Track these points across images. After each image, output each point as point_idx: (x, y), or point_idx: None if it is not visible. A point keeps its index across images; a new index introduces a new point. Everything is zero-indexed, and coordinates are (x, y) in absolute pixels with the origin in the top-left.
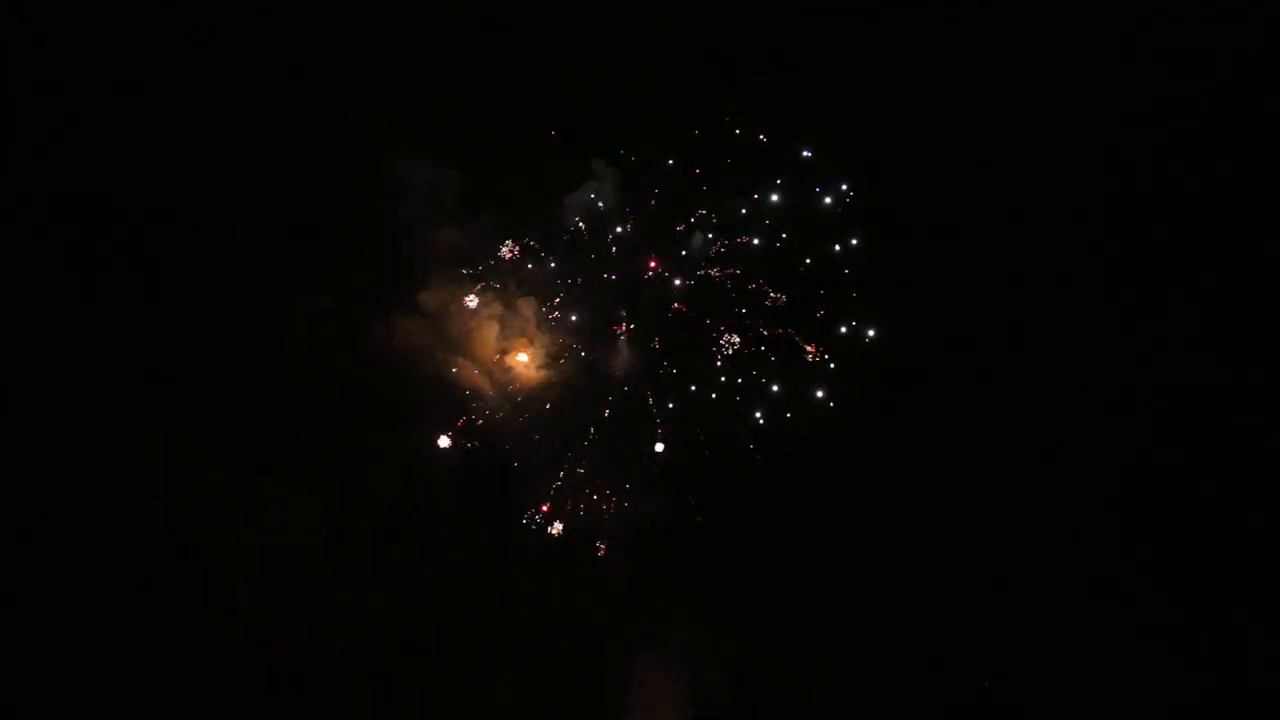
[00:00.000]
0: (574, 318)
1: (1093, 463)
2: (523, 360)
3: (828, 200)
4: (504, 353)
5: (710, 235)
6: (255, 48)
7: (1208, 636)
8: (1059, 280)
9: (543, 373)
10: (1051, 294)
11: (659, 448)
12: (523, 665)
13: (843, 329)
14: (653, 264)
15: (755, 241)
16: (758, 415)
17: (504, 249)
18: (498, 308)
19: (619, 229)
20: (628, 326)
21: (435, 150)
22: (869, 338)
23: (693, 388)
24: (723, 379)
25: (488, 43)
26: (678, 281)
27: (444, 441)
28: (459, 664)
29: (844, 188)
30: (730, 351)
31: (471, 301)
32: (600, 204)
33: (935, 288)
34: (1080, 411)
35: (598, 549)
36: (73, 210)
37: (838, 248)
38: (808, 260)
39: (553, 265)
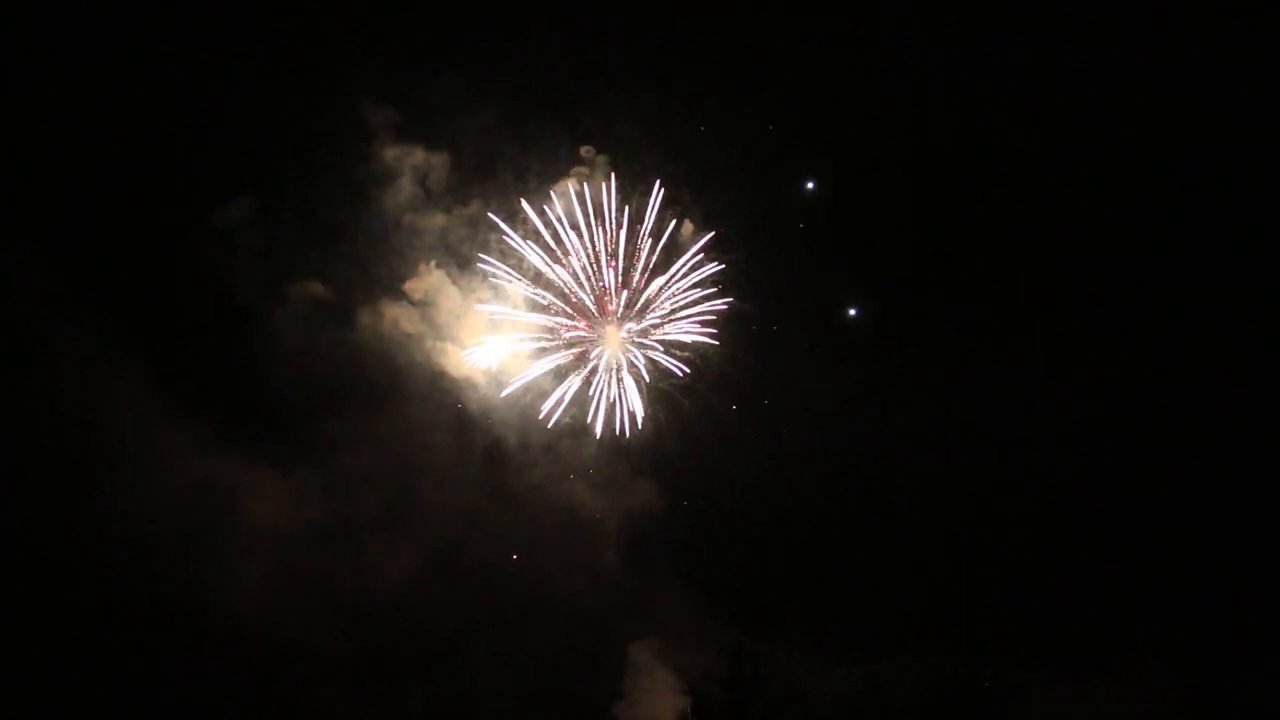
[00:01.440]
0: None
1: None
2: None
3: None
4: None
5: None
6: (246, 37)
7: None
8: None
9: (531, 361)
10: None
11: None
12: (518, 652)
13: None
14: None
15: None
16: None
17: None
18: (486, 294)
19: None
20: (615, 313)
21: (424, 137)
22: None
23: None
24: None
25: (477, 29)
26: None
27: None
28: (454, 649)
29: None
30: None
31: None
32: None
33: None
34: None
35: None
36: (67, 203)
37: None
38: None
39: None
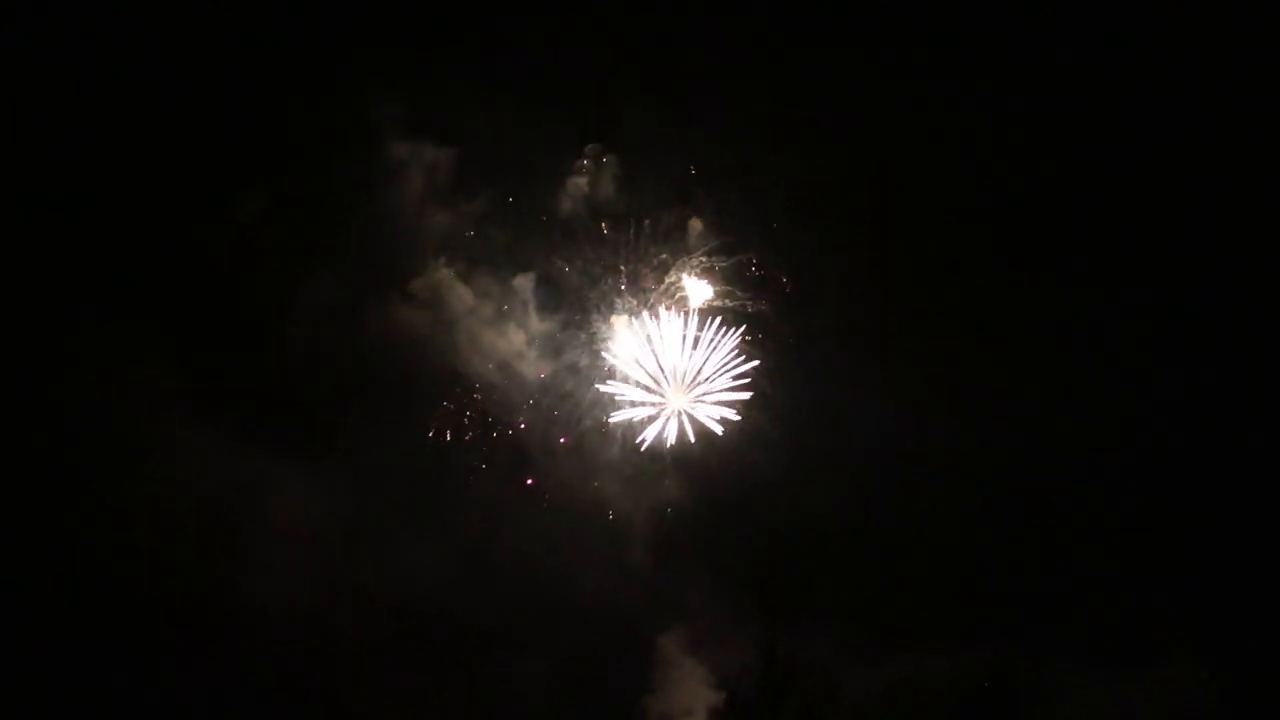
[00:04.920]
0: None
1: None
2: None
3: None
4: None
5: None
6: (255, 34)
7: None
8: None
9: (543, 361)
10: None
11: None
12: (549, 646)
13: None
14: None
15: None
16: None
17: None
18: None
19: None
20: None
21: (432, 133)
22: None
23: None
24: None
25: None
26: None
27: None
28: (484, 644)
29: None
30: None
31: None
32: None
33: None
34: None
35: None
36: (82, 202)
37: None
38: None
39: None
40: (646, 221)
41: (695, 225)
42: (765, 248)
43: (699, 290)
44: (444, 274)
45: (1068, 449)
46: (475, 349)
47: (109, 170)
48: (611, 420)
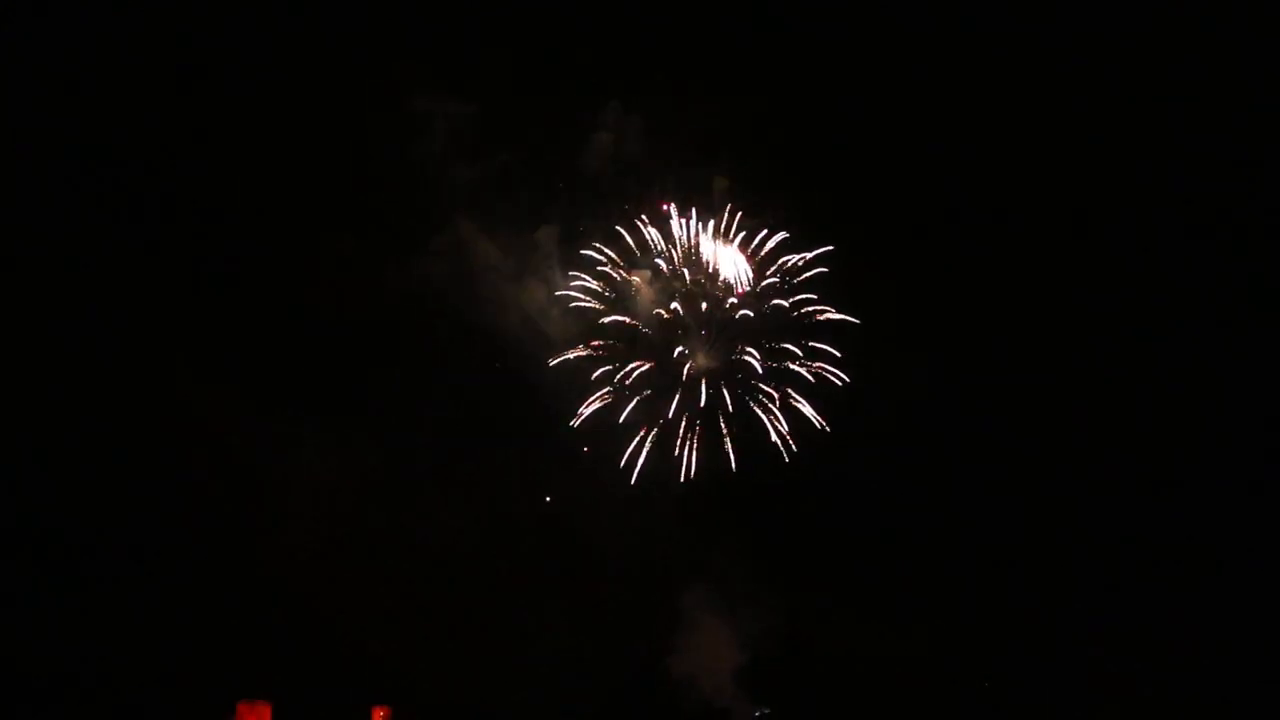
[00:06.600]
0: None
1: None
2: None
3: None
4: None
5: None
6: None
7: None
8: None
9: (568, 319)
10: None
11: None
12: (573, 608)
13: None
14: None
15: None
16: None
17: None
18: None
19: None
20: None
21: (455, 88)
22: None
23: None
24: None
25: None
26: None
27: None
28: (511, 602)
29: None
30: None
31: None
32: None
33: None
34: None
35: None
36: (111, 168)
37: None
38: None
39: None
40: (670, 179)
41: (720, 183)
42: (791, 207)
43: (722, 254)
44: (468, 228)
45: (1070, 445)
46: (499, 305)
47: (126, 147)
48: (574, 424)
